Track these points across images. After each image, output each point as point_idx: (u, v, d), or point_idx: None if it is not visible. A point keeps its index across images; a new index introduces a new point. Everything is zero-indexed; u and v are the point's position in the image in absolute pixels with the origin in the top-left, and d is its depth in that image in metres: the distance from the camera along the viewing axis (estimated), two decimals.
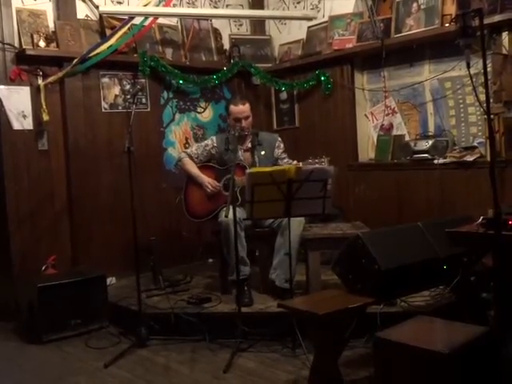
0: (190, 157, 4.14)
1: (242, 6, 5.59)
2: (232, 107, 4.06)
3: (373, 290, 2.89)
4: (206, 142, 4.25)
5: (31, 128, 4.30)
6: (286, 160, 4.06)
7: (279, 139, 4.17)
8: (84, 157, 4.51)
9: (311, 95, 5.13)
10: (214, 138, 4.23)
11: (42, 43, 4.28)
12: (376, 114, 4.87)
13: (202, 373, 3.10)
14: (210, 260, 4.91)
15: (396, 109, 4.74)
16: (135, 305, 3.62)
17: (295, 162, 3.83)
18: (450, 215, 3.76)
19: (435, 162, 4.19)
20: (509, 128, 3.79)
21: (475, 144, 4.15)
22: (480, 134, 4.23)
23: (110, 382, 3.05)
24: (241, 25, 5.65)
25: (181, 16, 5.04)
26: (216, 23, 5.38)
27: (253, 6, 5.58)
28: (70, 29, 4.45)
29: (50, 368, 3.30)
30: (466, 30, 2.29)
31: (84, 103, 4.53)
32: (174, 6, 4.97)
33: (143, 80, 4.85)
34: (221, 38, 5.41)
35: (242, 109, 4.00)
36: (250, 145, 4.08)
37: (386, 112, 4.75)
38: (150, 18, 4.71)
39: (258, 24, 5.65)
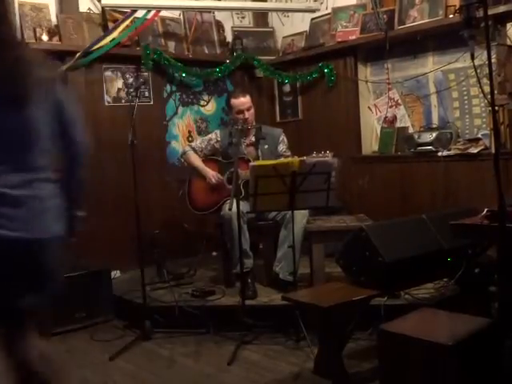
0: (195, 150, 4.15)
1: None
2: (233, 100, 4.06)
3: (377, 283, 2.90)
4: (209, 135, 4.25)
5: None
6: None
7: (283, 134, 4.16)
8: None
9: (314, 87, 5.12)
10: (218, 131, 4.23)
11: (44, 37, 4.27)
12: (379, 106, 4.86)
13: (207, 365, 3.11)
14: (214, 253, 4.92)
15: (400, 101, 4.72)
16: (140, 298, 3.63)
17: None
18: (454, 207, 3.75)
19: (439, 154, 4.18)
20: None
21: (479, 136, 4.13)
22: (484, 125, 4.21)
23: (115, 375, 3.06)
24: (243, 17, 5.63)
25: (183, 9, 5.02)
26: (218, 16, 5.36)
27: None
28: (72, 22, 4.45)
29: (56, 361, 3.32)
30: (470, 20, 2.27)
31: (87, 97, 4.53)
32: None
33: (146, 73, 4.84)
34: (223, 31, 5.39)
35: (243, 101, 4.00)
36: (253, 139, 4.08)
37: (390, 104, 4.74)
38: (153, 11, 4.70)
39: (261, 16, 5.63)
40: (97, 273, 3.92)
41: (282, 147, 4.10)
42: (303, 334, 3.17)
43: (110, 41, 4.45)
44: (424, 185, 4.33)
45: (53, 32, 4.34)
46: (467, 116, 4.37)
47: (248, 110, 4.00)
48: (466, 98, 4.36)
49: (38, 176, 1.79)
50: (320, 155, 3.57)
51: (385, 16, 4.50)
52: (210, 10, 5.21)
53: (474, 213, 2.65)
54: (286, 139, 4.15)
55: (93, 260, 4.26)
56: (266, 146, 4.05)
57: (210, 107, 5.32)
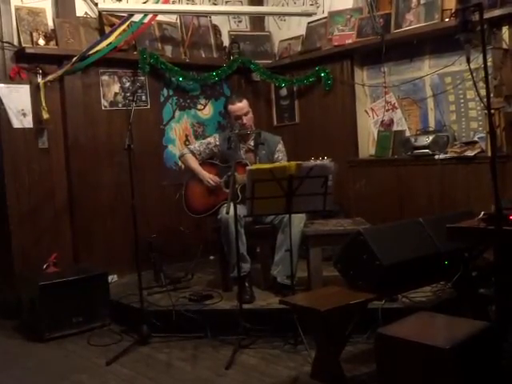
0: (193, 153, 4.15)
1: (241, 2, 5.58)
2: (230, 106, 4.07)
3: (374, 286, 2.89)
4: (208, 139, 4.24)
5: (31, 126, 4.30)
6: None
7: (281, 142, 4.15)
8: (84, 154, 4.51)
9: (311, 91, 5.13)
10: (217, 136, 4.23)
11: (41, 41, 4.27)
12: (376, 110, 4.87)
13: (204, 369, 3.11)
14: (211, 257, 4.91)
15: (396, 104, 4.73)
16: (137, 302, 3.62)
17: None
18: (450, 210, 3.76)
19: (436, 157, 4.19)
20: (509, 123, 3.79)
21: (476, 139, 4.14)
22: (481, 128, 4.22)
23: (112, 380, 3.05)
24: (240, 21, 5.64)
25: (180, 13, 5.03)
26: (215, 20, 5.36)
27: (252, 2, 5.57)
28: (69, 26, 4.45)
29: (52, 366, 3.31)
30: (466, 24, 2.28)
31: (84, 101, 4.53)
32: (174, 2, 4.97)
33: (143, 77, 4.84)
34: (220, 35, 5.40)
35: (240, 106, 4.00)
36: (252, 143, 4.08)
37: (387, 108, 4.75)
38: (150, 15, 4.71)
39: (258, 20, 5.63)
40: (94, 277, 3.90)
41: (277, 155, 4.08)
42: (301, 338, 3.17)
43: (107, 45, 4.45)
44: (421, 188, 4.34)
45: (49, 36, 4.34)
46: (463, 119, 4.38)
47: (246, 114, 4.00)
48: (462, 101, 4.37)
49: None
50: (318, 161, 3.57)
51: (381, 20, 4.52)
52: (206, 14, 5.22)
53: (470, 216, 2.65)
54: (283, 148, 4.14)
55: (90, 264, 4.26)
56: (264, 152, 4.05)
57: (207, 111, 5.32)
